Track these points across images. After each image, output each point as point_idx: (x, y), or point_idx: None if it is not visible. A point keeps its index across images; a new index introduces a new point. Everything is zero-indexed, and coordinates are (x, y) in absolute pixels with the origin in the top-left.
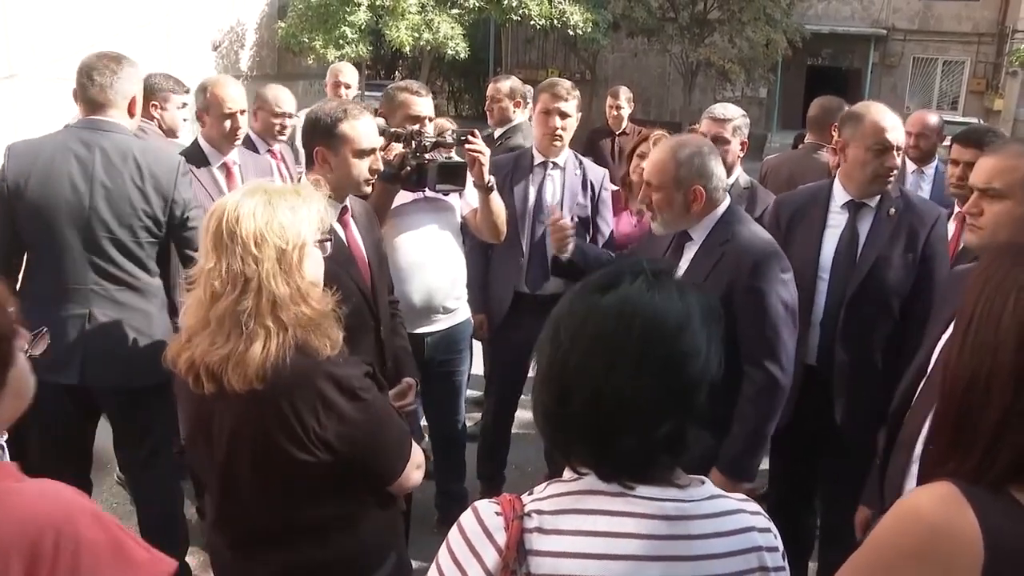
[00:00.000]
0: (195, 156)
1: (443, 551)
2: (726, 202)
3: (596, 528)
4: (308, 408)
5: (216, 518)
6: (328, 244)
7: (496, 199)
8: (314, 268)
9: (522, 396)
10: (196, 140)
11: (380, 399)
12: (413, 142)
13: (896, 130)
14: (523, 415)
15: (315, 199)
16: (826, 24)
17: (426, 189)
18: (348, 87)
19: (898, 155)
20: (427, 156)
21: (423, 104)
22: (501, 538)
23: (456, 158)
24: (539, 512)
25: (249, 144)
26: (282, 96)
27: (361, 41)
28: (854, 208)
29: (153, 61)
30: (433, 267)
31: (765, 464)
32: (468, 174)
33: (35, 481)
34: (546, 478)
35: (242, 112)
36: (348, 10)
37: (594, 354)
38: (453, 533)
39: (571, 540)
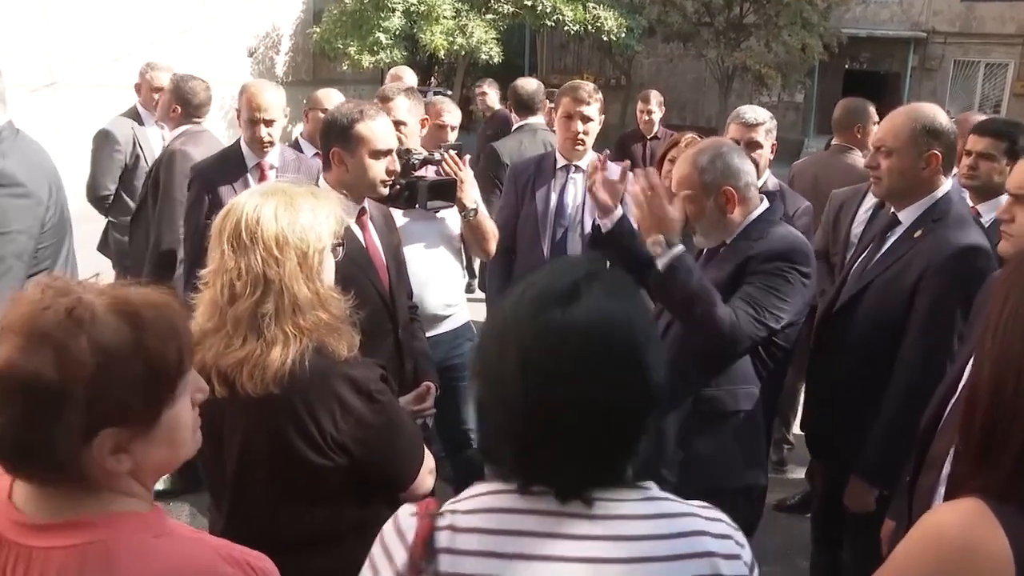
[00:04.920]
0: (233, 157)
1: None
2: (764, 205)
3: (512, 527)
4: (325, 410)
5: (226, 529)
6: (340, 249)
7: (483, 221)
8: (329, 273)
9: None
10: (238, 140)
11: (394, 402)
12: (401, 160)
13: (878, 128)
14: None
15: (331, 201)
16: (864, 28)
17: (417, 206)
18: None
19: (879, 155)
20: (416, 174)
21: (391, 108)
22: (412, 537)
23: (446, 175)
24: (453, 512)
25: (296, 150)
26: (334, 97)
27: (395, 46)
28: (889, 222)
29: (190, 68)
30: (423, 276)
31: (799, 473)
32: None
33: (176, 537)
34: None
35: (268, 123)
36: (382, 15)
37: (578, 377)
38: (377, 537)
39: (484, 538)
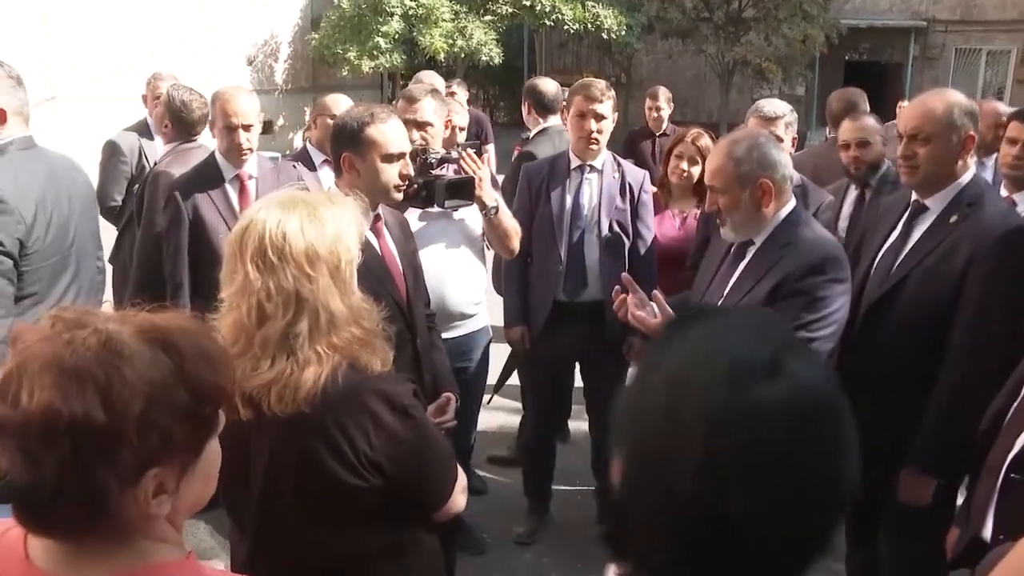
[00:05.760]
0: (208, 169)
1: None
2: (791, 203)
3: None
4: (358, 428)
5: (251, 555)
6: (360, 254)
7: (504, 219)
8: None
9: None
10: (212, 152)
11: (427, 418)
12: (419, 159)
13: (903, 116)
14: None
15: (350, 206)
16: (864, 18)
17: (435, 206)
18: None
19: (915, 143)
20: (434, 173)
21: (418, 109)
22: None
23: (464, 173)
24: None
25: (305, 158)
26: (342, 102)
27: (395, 50)
28: (915, 210)
29: (190, 78)
30: (444, 276)
31: None
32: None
33: None
34: (595, 493)
35: (246, 127)
36: (381, 20)
37: (778, 474)
38: None
39: None
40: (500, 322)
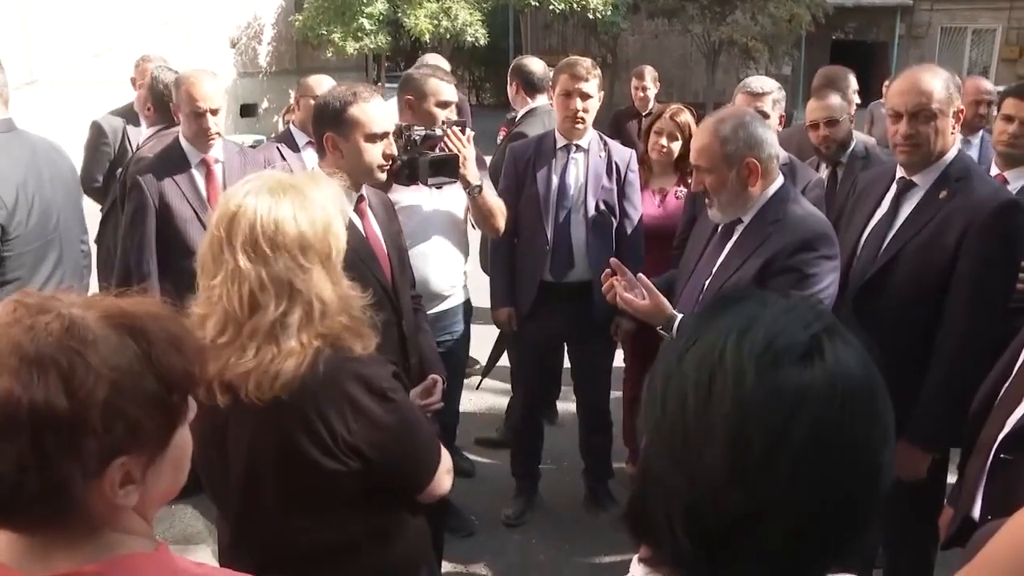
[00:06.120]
0: (173, 154)
1: None
2: (779, 180)
3: None
4: (337, 413)
5: (235, 540)
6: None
7: (489, 198)
8: None
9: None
10: (176, 137)
11: (408, 400)
12: (403, 136)
13: (901, 95)
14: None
15: (333, 187)
16: None
17: (418, 183)
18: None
19: (917, 122)
20: (418, 150)
21: (452, 90)
22: None
23: (448, 150)
24: None
25: (289, 139)
26: (324, 83)
27: (379, 32)
28: (902, 187)
29: (172, 60)
30: (425, 254)
31: None
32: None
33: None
34: (583, 474)
35: (214, 112)
36: (365, 1)
37: (807, 458)
38: None
39: None
40: (487, 303)
